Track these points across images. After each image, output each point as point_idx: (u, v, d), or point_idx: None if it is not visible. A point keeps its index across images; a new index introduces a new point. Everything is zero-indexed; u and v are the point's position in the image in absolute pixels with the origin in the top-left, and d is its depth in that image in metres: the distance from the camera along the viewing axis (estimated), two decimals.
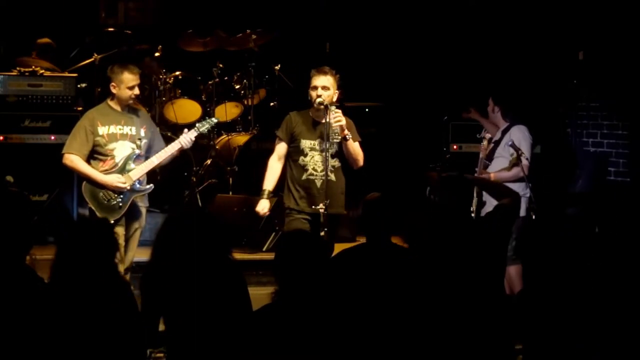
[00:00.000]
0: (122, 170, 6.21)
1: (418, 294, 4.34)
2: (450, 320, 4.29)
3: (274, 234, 7.79)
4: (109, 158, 6.22)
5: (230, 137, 8.64)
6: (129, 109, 6.36)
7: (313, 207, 5.98)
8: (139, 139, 6.30)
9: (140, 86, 7.36)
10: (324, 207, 5.91)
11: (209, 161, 8.42)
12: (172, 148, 6.35)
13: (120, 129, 6.25)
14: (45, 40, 8.80)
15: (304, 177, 6.06)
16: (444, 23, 9.47)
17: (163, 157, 6.33)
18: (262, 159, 8.31)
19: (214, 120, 6.81)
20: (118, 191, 6.19)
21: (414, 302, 4.31)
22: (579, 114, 8.10)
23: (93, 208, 6.19)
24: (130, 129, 6.28)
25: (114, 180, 6.16)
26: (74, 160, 6.17)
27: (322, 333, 3.74)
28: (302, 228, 5.89)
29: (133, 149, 6.26)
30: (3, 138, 7.57)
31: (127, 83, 6.21)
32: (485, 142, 6.86)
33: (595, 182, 7.58)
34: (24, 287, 3.56)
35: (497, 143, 6.88)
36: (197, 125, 6.58)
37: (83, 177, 6.25)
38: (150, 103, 8.55)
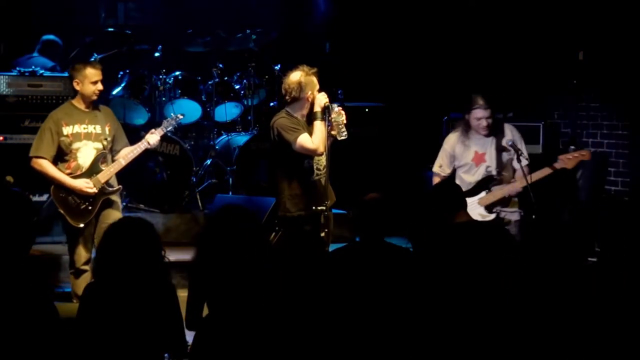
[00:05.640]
0: (91, 173, 6.13)
1: (412, 294, 4.34)
2: (445, 321, 4.29)
3: (273, 234, 7.77)
4: (72, 160, 6.13)
5: (230, 137, 8.64)
6: (93, 107, 6.26)
7: (314, 207, 5.88)
8: (105, 139, 6.22)
9: (137, 84, 7.29)
10: (324, 207, 5.85)
11: (209, 161, 8.42)
12: (140, 149, 6.26)
13: (84, 128, 6.17)
14: (50, 38, 8.80)
15: (313, 178, 5.94)
16: (444, 23, 9.47)
17: (131, 158, 6.26)
18: (262, 159, 8.37)
19: (179, 117, 6.67)
20: (86, 196, 6.11)
21: (407, 302, 4.32)
22: (579, 114, 8.09)
23: (63, 213, 6.11)
24: (95, 128, 6.20)
25: (82, 184, 6.09)
26: (43, 163, 6.10)
27: (316, 332, 3.75)
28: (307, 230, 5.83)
29: (98, 149, 6.18)
30: (3, 138, 7.56)
31: (90, 78, 6.13)
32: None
33: (594, 183, 7.57)
34: (24, 287, 3.56)
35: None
36: (163, 123, 6.51)
37: (51, 181, 6.15)
38: (150, 103, 8.54)
